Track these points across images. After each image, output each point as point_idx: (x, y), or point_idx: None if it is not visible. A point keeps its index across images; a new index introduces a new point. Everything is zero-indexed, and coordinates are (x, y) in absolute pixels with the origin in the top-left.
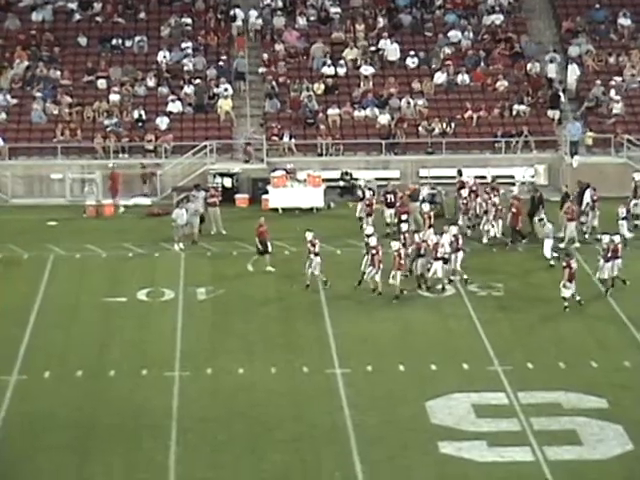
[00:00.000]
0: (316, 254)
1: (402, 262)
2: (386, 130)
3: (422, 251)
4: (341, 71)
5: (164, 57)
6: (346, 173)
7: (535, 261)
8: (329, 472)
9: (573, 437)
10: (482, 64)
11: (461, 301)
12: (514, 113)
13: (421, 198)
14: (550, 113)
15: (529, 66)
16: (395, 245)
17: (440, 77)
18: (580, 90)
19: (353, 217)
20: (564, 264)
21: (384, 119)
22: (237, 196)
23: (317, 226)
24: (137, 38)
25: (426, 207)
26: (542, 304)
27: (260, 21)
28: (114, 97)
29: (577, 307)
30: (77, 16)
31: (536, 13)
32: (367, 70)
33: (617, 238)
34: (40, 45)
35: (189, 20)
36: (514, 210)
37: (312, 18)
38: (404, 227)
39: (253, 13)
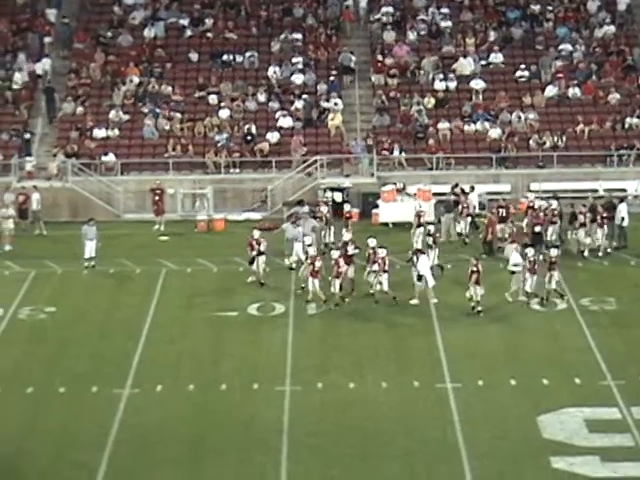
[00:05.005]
0: (260, 253)
1: (340, 270)
2: (497, 144)
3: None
4: (451, 85)
5: (274, 72)
6: (456, 185)
7: None
8: None
9: None
10: (594, 77)
11: (572, 315)
12: (626, 126)
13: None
14: None
15: None
16: (335, 254)
17: (551, 90)
18: None
19: None
20: (474, 268)
21: (495, 133)
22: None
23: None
24: (248, 54)
25: (347, 207)
26: None
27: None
28: (225, 112)
29: None
30: (188, 32)
31: None
32: (478, 84)
33: (554, 251)
34: (152, 61)
35: (299, 35)
36: (487, 223)
37: (422, 32)
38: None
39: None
